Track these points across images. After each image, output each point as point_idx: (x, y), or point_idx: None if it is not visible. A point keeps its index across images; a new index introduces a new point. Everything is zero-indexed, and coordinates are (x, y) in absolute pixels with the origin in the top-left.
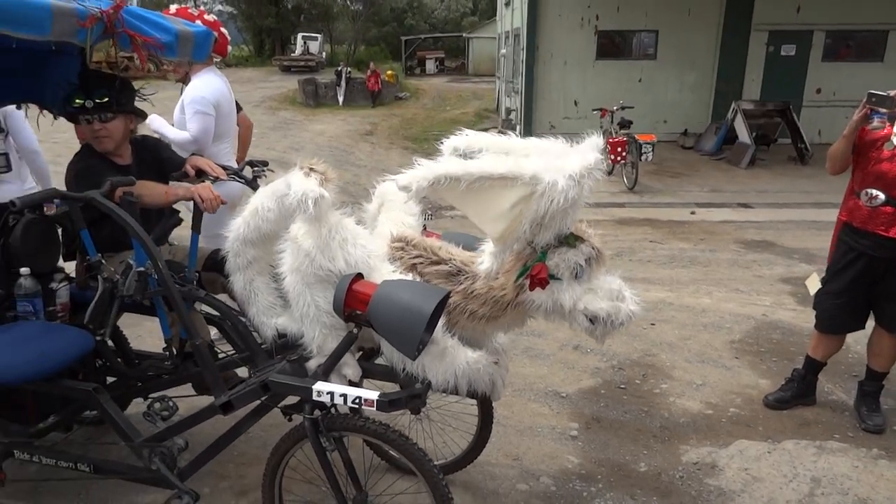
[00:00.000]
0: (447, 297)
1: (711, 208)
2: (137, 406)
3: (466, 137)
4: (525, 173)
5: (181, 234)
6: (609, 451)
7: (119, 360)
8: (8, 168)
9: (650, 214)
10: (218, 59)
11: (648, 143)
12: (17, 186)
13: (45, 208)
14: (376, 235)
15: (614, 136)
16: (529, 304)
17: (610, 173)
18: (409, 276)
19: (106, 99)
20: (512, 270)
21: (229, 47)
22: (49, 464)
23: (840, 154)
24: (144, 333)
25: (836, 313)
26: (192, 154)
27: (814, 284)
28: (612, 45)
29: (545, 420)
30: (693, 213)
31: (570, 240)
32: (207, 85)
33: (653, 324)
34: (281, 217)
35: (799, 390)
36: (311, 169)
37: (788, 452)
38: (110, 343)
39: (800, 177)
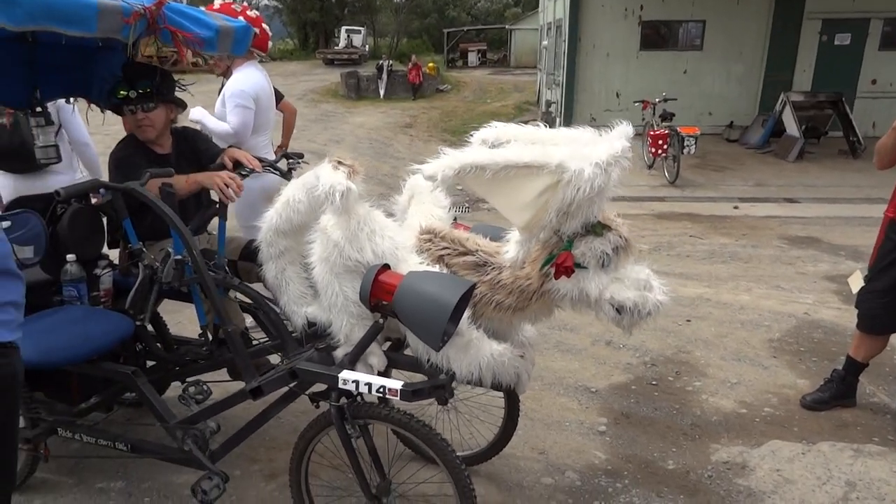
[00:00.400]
0: (472, 288)
1: (755, 203)
2: (175, 389)
3: (495, 129)
4: (551, 161)
5: (230, 223)
6: (637, 447)
7: (158, 344)
8: (58, 159)
9: (691, 209)
10: (263, 56)
11: (691, 136)
12: (68, 177)
13: (91, 198)
14: (406, 227)
15: (656, 128)
16: (555, 294)
17: (651, 167)
18: (437, 268)
19: (148, 89)
20: (538, 259)
21: (270, 43)
22: (90, 442)
23: (889, 148)
24: (185, 320)
25: (879, 313)
26: (230, 146)
27: (857, 282)
28: (657, 36)
29: (573, 415)
30: (736, 207)
31: (596, 228)
32: (248, 79)
33: (688, 320)
34: (311, 209)
35: (838, 391)
36: (340, 162)
37: (823, 454)
38: (150, 328)
39: (850, 171)
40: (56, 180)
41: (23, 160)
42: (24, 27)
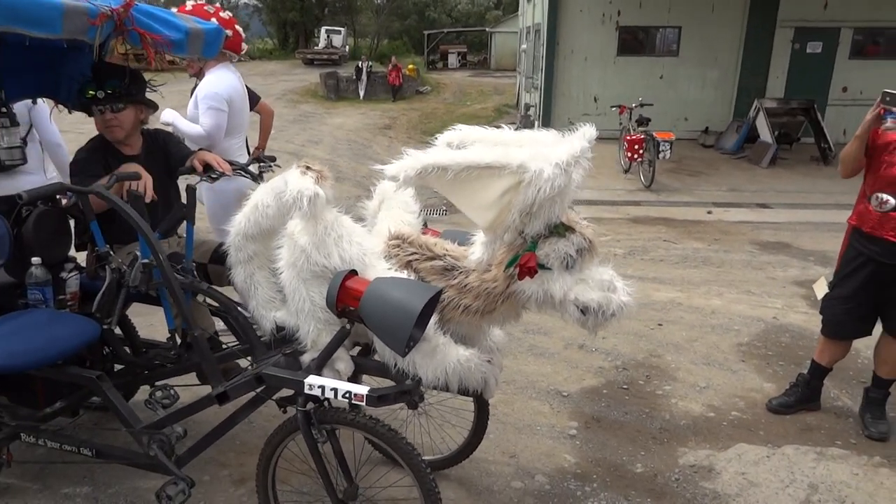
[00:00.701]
0: (438, 294)
1: (729, 208)
2: (144, 393)
3: (459, 132)
4: (512, 162)
5: (203, 225)
6: (607, 451)
7: (126, 348)
8: (23, 161)
9: (666, 213)
10: (241, 56)
11: (666, 142)
12: (39, 178)
13: (59, 199)
14: (375, 233)
15: (632, 133)
16: (521, 295)
17: (627, 171)
18: (405, 274)
19: (117, 89)
20: (503, 261)
21: (244, 45)
22: (54, 447)
23: (852, 156)
24: (157, 322)
25: (843, 319)
26: (201, 149)
27: (821, 288)
28: (634, 42)
29: (545, 418)
30: (710, 212)
31: (559, 229)
32: (221, 81)
33: (660, 324)
34: (279, 213)
35: (803, 395)
36: (308, 167)
37: (788, 457)
38: (118, 331)
39: (821, 177)
40: (26, 180)
41: None
42: None
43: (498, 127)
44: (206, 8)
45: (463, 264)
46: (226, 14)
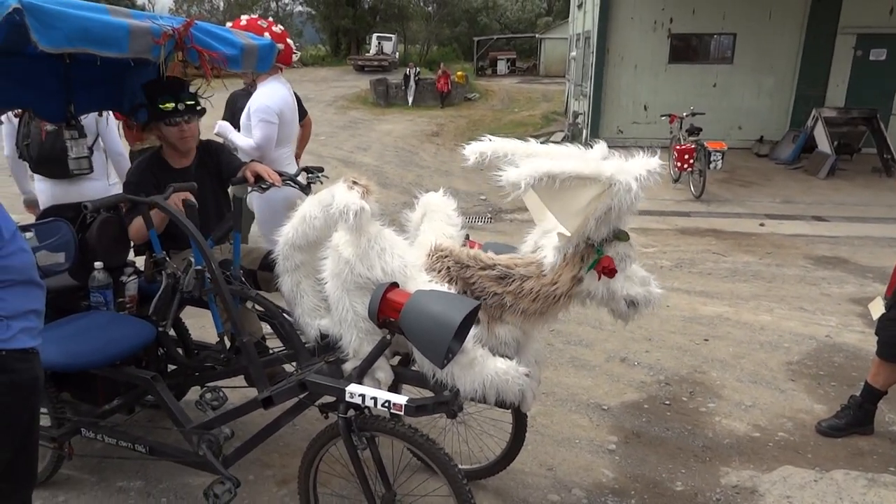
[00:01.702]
0: (477, 308)
1: (783, 220)
2: (194, 393)
3: (490, 143)
4: (604, 173)
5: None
6: (646, 467)
7: (179, 349)
8: (90, 170)
9: (716, 225)
10: (292, 63)
11: (718, 151)
12: (102, 183)
13: (120, 207)
14: (417, 245)
15: (682, 142)
16: (584, 295)
17: (676, 181)
18: (446, 286)
19: (193, 102)
20: (570, 265)
21: (294, 57)
22: (111, 443)
23: None
24: (208, 324)
25: None
26: (253, 160)
27: (877, 308)
28: (687, 49)
29: (584, 432)
30: (762, 224)
31: (622, 235)
32: (273, 94)
33: (706, 339)
34: (326, 225)
35: (855, 418)
36: (355, 182)
37: (836, 483)
38: (172, 333)
39: (884, 189)
40: (90, 186)
41: (61, 166)
42: (61, 49)
43: (538, 137)
44: (259, 22)
45: (516, 271)
46: (278, 28)
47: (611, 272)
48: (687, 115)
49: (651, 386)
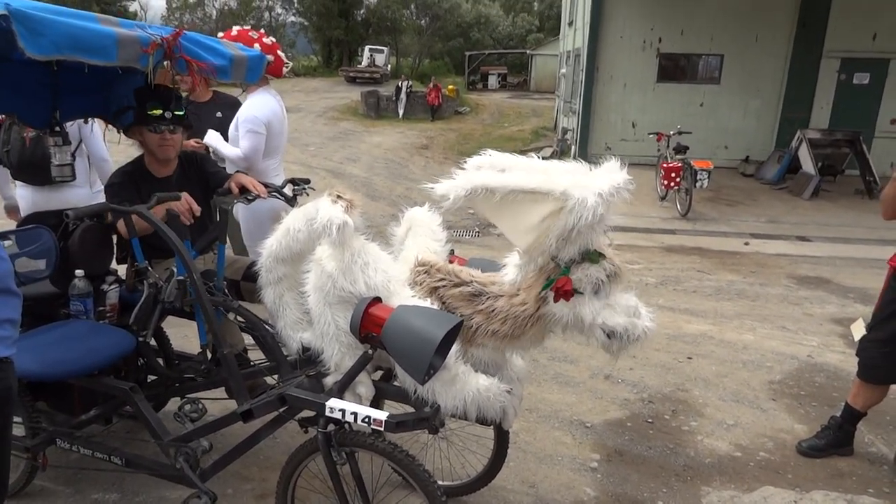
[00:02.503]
0: (459, 325)
1: (767, 240)
2: (173, 404)
3: (490, 157)
4: (556, 188)
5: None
6: (628, 486)
7: (159, 360)
8: (73, 177)
9: (701, 243)
10: (287, 74)
11: (704, 170)
12: (86, 191)
13: (103, 215)
14: (402, 260)
15: (669, 161)
16: (550, 318)
17: (663, 199)
18: (429, 301)
19: (181, 112)
20: (535, 285)
21: (285, 68)
22: (87, 454)
23: (892, 198)
24: (190, 333)
25: (880, 363)
26: (238, 171)
27: (859, 330)
28: (675, 68)
29: (567, 449)
30: (747, 243)
31: (592, 256)
32: (261, 105)
33: (690, 357)
34: (309, 239)
35: (835, 439)
36: (339, 196)
37: (816, 503)
38: (153, 343)
39: (866, 211)
40: (73, 193)
41: (42, 173)
42: (49, 57)
43: (526, 153)
44: (250, 33)
45: (490, 290)
46: (268, 40)
47: (565, 294)
48: (674, 134)
49: (634, 404)
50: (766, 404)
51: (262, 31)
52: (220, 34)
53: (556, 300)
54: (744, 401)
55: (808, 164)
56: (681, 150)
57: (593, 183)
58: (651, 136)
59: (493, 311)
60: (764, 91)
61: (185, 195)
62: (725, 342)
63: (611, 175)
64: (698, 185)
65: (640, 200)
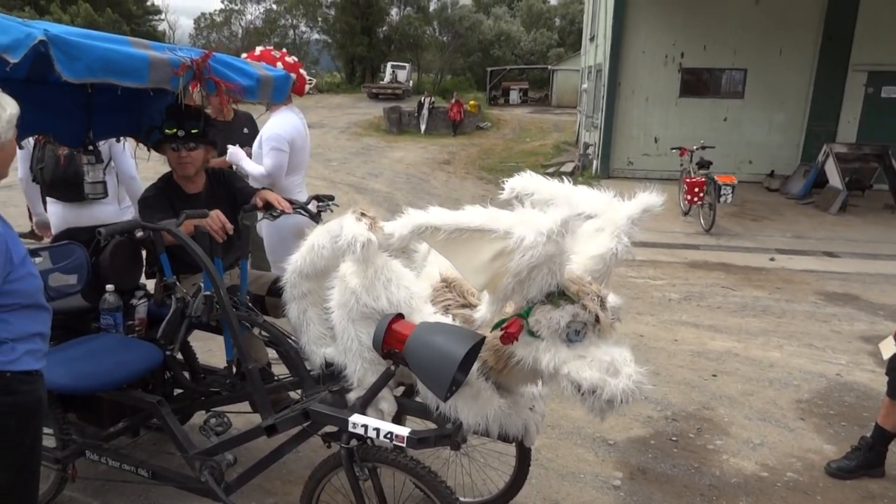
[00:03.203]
0: (482, 342)
1: (793, 255)
2: (199, 417)
3: (523, 179)
4: (499, 227)
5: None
6: None
7: (185, 373)
8: (105, 195)
9: (725, 258)
10: (310, 90)
11: (728, 185)
12: (114, 207)
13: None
14: (424, 276)
15: (692, 176)
16: (512, 358)
17: (686, 214)
18: (449, 318)
19: (195, 130)
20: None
21: (307, 86)
22: (114, 466)
23: None
24: (215, 347)
25: None
26: (263, 188)
27: (889, 348)
28: (697, 83)
29: (589, 467)
30: (772, 259)
31: (554, 298)
32: (284, 123)
33: (714, 375)
34: (333, 255)
35: (865, 460)
36: (363, 214)
37: None
38: (179, 357)
39: (895, 226)
40: (103, 210)
41: (74, 190)
42: (83, 79)
43: (560, 178)
44: (273, 53)
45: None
46: (291, 59)
47: (508, 336)
48: (697, 149)
49: (658, 421)
50: (794, 423)
51: (285, 50)
52: (244, 55)
53: (502, 341)
54: (770, 419)
55: (835, 178)
56: (704, 164)
57: (537, 220)
58: (674, 150)
59: (486, 340)
60: (789, 105)
61: (217, 213)
62: (751, 359)
63: (558, 211)
64: (722, 199)
65: (662, 216)
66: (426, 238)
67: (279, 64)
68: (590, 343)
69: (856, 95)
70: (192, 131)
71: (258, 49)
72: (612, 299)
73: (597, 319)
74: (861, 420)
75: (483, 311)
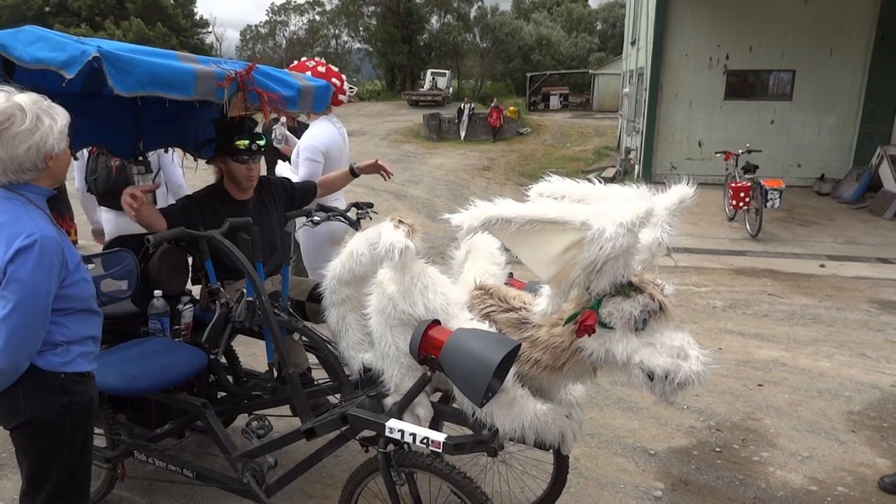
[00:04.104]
0: (517, 348)
1: (845, 262)
2: (241, 420)
3: (551, 183)
4: (575, 218)
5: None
6: None
7: (229, 377)
8: (154, 203)
9: (773, 265)
10: (352, 97)
11: (775, 190)
12: None
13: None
14: (461, 283)
15: (738, 180)
16: (583, 352)
17: (732, 219)
18: (486, 325)
19: (263, 143)
20: (565, 316)
21: (343, 97)
22: (161, 466)
23: None
24: (258, 352)
25: None
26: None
27: None
28: (743, 85)
29: (629, 477)
30: (822, 265)
31: (625, 289)
32: (320, 133)
33: (760, 385)
34: (372, 262)
35: None
36: (401, 221)
37: None
38: (223, 361)
39: None
40: None
41: None
42: (134, 93)
43: (589, 179)
44: (306, 63)
45: (534, 318)
46: (322, 68)
47: (586, 329)
48: (742, 153)
49: (701, 431)
50: (845, 436)
51: (319, 59)
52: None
53: (578, 335)
54: (820, 431)
55: (889, 182)
56: (750, 168)
57: (615, 212)
58: (718, 154)
59: (535, 339)
60: (840, 107)
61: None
62: (799, 369)
63: (634, 203)
64: (769, 204)
65: (707, 221)
66: (495, 230)
67: (308, 73)
68: (654, 330)
69: None
70: (260, 143)
71: (295, 62)
72: (668, 288)
73: (661, 307)
74: None
75: (544, 305)
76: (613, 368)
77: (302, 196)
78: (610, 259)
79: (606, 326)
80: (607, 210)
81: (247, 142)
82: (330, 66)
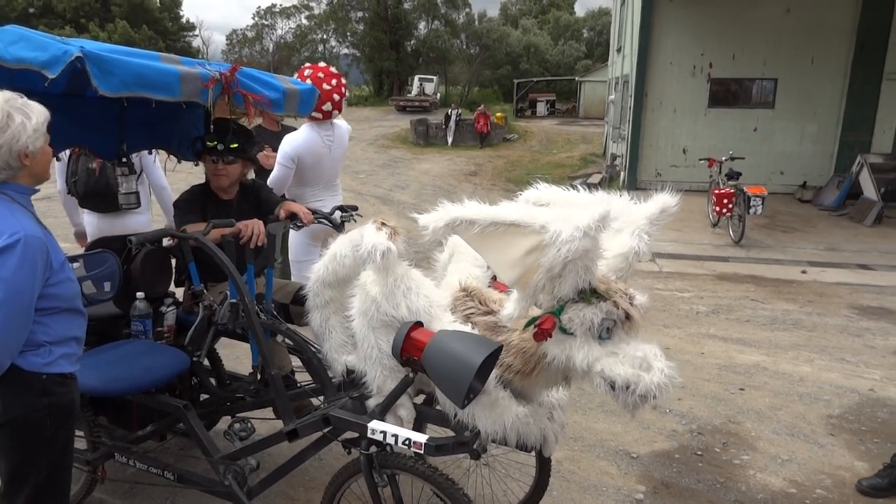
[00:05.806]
0: (499, 349)
1: (826, 268)
2: (225, 422)
3: (538, 191)
4: (535, 222)
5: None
6: None
7: (212, 379)
8: (138, 205)
9: (755, 271)
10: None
11: (758, 196)
12: (146, 217)
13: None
14: (444, 285)
15: (721, 187)
16: (545, 357)
17: (715, 225)
18: (468, 327)
19: (235, 145)
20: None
21: (326, 104)
22: (142, 469)
23: None
24: (242, 355)
25: None
26: (287, 199)
27: None
28: (727, 93)
29: (611, 480)
30: (804, 272)
31: (587, 295)
32: (296, 140)
33: (742, 389)
34: (355, 264)
35: None
36: (383, 223)
37: None
38: (206, 363)
39: None
40: (135, 219)
41: (106, 201)
42: (118, 94)
43: (575, 186)
44: (318, 74)
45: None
46: (308, 72)
47: (544, 333)
48: (726, 160)
49: (683, 435)
50: (824, 439)
51: (310, 63)
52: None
53: (536, 338)
54: (799, 435)
55: (869, 189)
56: (733, 175)
57: (574, 216)
58: (702, 161)
59: (508, 343)
60: (821, 115)
61: (257, 223)
62: (780, 374)
63: (594, 208)
64: (752, 211)
65: (691, 227)
66: (460, 231)
67: (308, 80)
68: (620, 340)
69: (890, 105)
70: (232, 146)
71: (307, 71)
72: (639, 298)
73: (627, 317)
74: (894, 437)
75: (510, 309)
76: (574, 374)
77: (268, 206)
78: (569, 263)
79: (567, 332)
80: (567, 214)
81: (215, 142)
82: (342, 81)
